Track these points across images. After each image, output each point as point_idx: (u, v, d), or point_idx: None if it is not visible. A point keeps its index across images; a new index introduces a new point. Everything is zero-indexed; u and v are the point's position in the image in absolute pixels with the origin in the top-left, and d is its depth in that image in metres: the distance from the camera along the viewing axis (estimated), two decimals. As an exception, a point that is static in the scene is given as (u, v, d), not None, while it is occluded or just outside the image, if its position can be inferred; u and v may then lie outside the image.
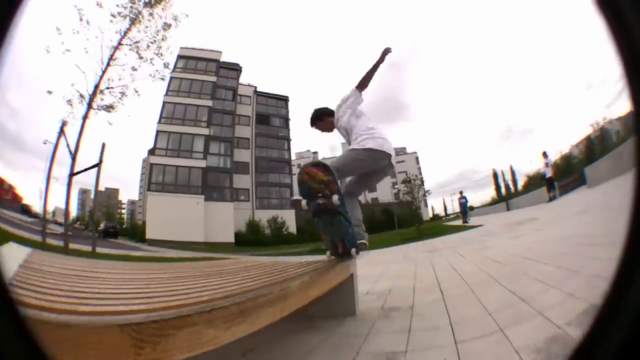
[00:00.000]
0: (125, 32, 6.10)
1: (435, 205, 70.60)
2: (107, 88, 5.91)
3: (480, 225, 12.22)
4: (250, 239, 37.03)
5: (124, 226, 65.26)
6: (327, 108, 3.58)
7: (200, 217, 36.37)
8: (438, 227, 21.23)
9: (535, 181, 28.20)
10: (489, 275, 3.40)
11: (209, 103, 40.87)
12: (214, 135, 40.44)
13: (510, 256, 4.26)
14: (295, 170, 71.36)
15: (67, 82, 5.56)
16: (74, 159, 5.36)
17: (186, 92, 40.58)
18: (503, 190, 54.72)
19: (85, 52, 5.60)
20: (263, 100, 48.43)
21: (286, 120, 50.10)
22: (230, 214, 38.85)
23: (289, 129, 50.13)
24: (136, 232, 38.78)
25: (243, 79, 45.97)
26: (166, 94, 39.97)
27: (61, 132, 4.91)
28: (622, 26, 0.57)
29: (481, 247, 5.80)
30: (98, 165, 5.17)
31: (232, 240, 37.11)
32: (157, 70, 6.66)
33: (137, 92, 6.39)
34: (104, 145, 5.24)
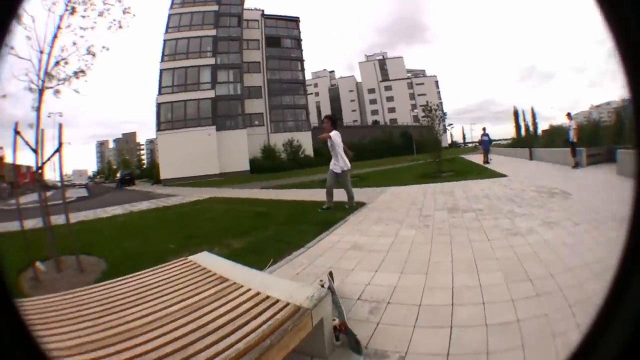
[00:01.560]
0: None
1: (453, 132, 70.01)
2: (62, 59, 5.39)
3: (504, 176, 10.93)
4: (266, 166, 36.81)
5: (144, 167, 66.88)
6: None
7: (213, 148, 36.39)
8: (457, 161, 20.29)
9: (558, 135, 25.99)
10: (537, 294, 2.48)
11: (213, 32, 39.36)
12: (221, 64, 39.38)
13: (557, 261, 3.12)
14: (312, 89, 71.63)
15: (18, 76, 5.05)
16: (36, 152, 5.01)
17: (187, 26, 39.29)
18: (523, 130, 52.03)
19: (27, 39, 5.04)
20: (272, 23, 46.88)
21: (298, 41, 48.81)
22: (244, 141, 38.73)
23: (301, 50, 49.05)
24: (153, 173, 39.22)
25: (248, 4, 44.22)
26: (166, 32, 39.19)
27: (16, 131, 4.53)
28: (622, 23, 0.56)
29: (511, 227, 4.54)
30: (58, 149, 4.78)
31: (248, 168, 37.23)
32: (113, 20, 5.98)
33: (105, 48, 5.85)
34: (61, 126, 4.84)
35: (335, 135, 7.18)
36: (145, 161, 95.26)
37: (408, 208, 6.76)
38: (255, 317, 1.77)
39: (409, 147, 38.37)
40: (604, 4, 0.58)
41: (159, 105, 37.44)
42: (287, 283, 2.29)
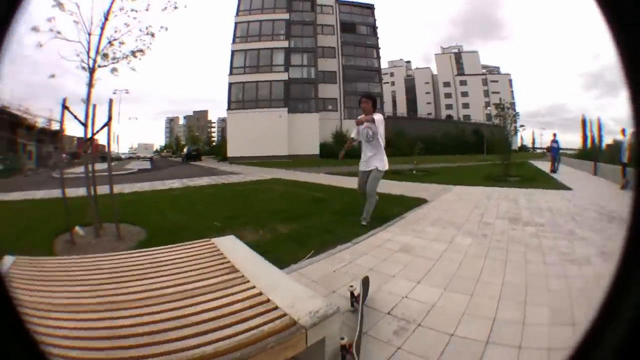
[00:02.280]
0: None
1: (524, 135, 65.74)
2: (115, 40, 5.74)
3: (569, 189, 9.93)
4: (336, 151, 35.19)
5: (214, 144, 69.99)
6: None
7: (283, 130, 36.73)
8: (525, 167, 18.91)
9: (617, 152, 23.88)
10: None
11: (286, 16, 39.44)
12: (294, 47, 39.48)
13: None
14: (387, 79, 70.35)
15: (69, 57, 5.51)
16: (85, 125, 5.38)
17: (259, 9, 39.68)
18: (589, 142, 47.15)
19: (74, 23, 5.38)
20: (346, 9, 46.28)
21: (373, 28, 47.74)
22: (316, 125, 38.70)
23: (377, 37, 47.91)
24: (221, 151, 40.35)
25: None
26: (237, 15, 39.92)
27: (64, 107, 4.89)
28: (622, 23, 0.56)
29: (569, 251, 3.92)
30: (107, 123, 5.05)
31: (317, 152, 37.14)
32: (168, 1, 6.18)
33: (164, 28, 6.11)
34: (111, 101, 5.12)
35: (379, 120, 5.27)
36: (215, 138, 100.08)
37: (470, 211, 6.21)
38: (242, 321, 1.57)
39: (479, 146, 36.47)
40: (604, 3, 0.58)
41: (230, 85, 38.31)
42: (298, 289, 2.00)
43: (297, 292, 1.92)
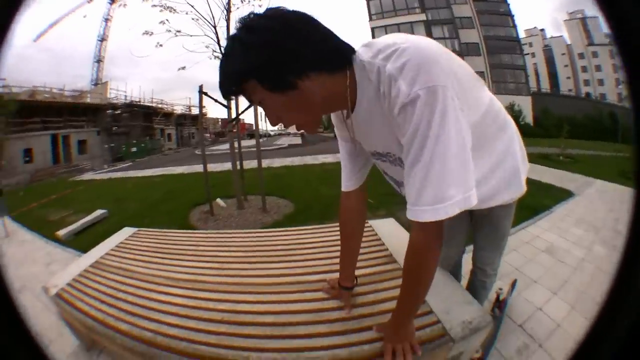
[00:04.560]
0: None
1: None
2: None
3: None
4: None
5: None
6: None
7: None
8: None
9: None
10: None
11: (416, -14, 37.78)
12: (433, 19, 38.03)
13: None
14: (527, 49, 62.45)
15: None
16: (228, 107, 5.93)
17: None
18: None
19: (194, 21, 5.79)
20: None
21: None
22: (465, 100, 36.99)
23: (507, 3, 42.57)
24: None
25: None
26: None
27: (201, 92, 5.38)
28: (623, 26, 0.56)
29: None
30: (251, 104, 5.41)
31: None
32: None
33: None
34: None
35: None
36: None
37: (606, 214, 5.40)
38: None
39: (614, 133, 29.82)
40: (604, 3, 0.57)
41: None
42: (457, 291, 1.64)
43: (455, 294, 1.61)
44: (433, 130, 0.83)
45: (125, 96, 43.07)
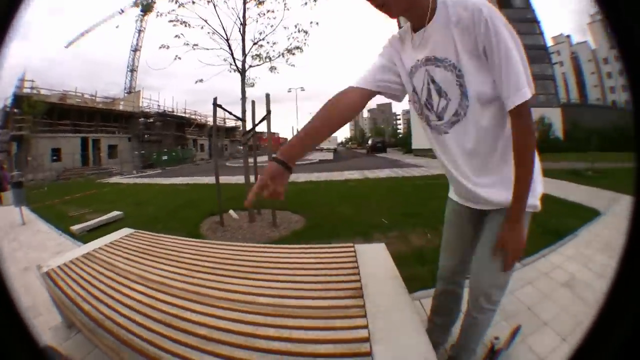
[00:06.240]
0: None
1: None
2: (259, 41, 6.16)
3: None
4: None
5: (399, 136, 70.51)
6: None
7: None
8: None
9: None
10: None
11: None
12: None
13: None
14: (556, 58, 60.44)
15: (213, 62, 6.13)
16: (242, 120, 6.26)
17: None
18: None
19: (208, 34, 5.91)
20: None
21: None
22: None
23: (532, 10, 42.01)
24: (407, 143, 40.00)
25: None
26: None
27: (215, 105, 5.54)
28: (622, 26, 0.56)
29: None
30: (266, 116, 5.56)
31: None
32: None
33: (315, 23, 6.33)
34: (267, 96, 5.59)
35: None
36: (400, 130, 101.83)
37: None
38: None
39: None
40: (604, 3, 0.58)
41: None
42: (418, 341, 1.35)
43: (412, 345, 1.31)
44: (512, 34, 1.23)
45: (158, 105, 44.64)
